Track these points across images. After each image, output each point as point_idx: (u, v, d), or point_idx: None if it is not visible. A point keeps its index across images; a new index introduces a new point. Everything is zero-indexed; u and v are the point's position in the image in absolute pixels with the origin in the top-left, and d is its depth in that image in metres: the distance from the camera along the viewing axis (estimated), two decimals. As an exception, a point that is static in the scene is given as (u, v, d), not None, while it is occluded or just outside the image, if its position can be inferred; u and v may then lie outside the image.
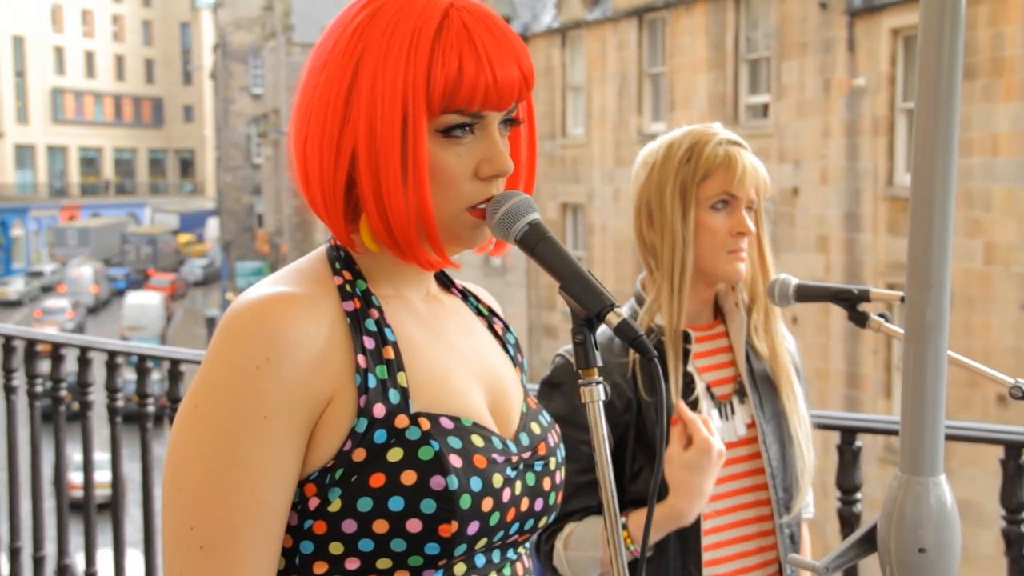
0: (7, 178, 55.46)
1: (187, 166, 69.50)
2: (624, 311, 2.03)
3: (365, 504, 1.13)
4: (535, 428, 1.31)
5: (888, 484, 1.31)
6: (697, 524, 1.98)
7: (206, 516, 1.10)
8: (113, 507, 3.74)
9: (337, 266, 1.24)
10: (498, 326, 1.42)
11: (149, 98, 67.28)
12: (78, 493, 3.86)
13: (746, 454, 2.02)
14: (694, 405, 1.98)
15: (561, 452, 1.33)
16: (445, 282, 1.40)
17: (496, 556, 1.23)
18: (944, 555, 1.28)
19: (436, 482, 1.13)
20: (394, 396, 1.17)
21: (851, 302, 1.87)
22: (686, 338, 2.00)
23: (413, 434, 1.15)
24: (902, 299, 1.73)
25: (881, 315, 1.81)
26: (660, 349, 2.00)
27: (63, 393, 3.76)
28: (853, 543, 1.35)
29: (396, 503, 1.13)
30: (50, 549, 3.98)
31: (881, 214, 13.42)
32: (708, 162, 1.99)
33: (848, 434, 2.53)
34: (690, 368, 2.01)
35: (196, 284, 51.04)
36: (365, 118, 1.17)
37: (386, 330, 1.21)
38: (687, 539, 1.98)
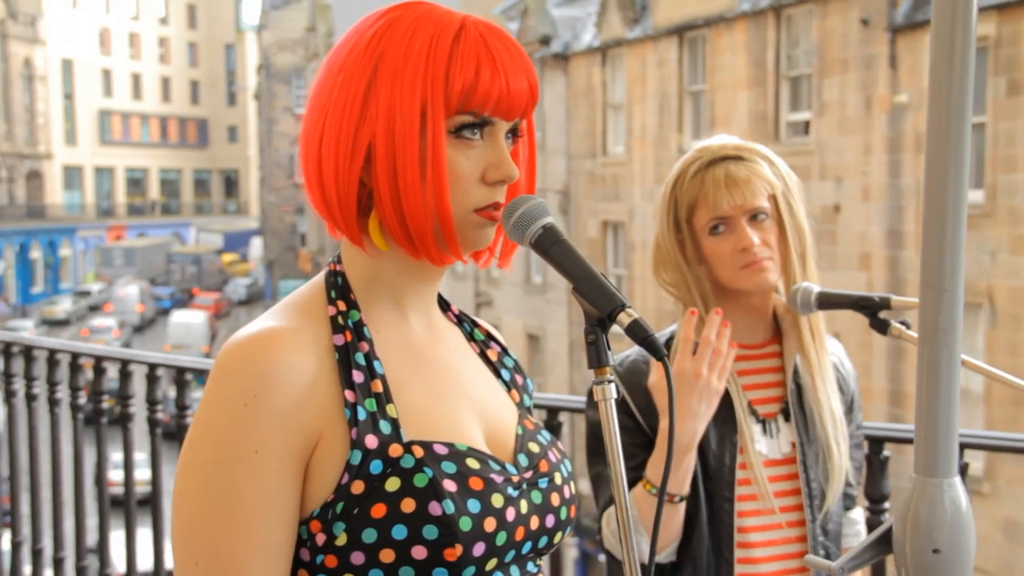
0: (56, 199, 56.24)
1: (231, 186, 70.15)
2: (673, 329, 2.08)
3: (370, 535, 1.15)
4: (533, 447, 1.33)
5: (903, 486, 1.32)
6: (730, 533, 1.99)
7: (209, 549, 1.14)
8: (155, 526, 3.79)
9: (333, 295, 1.27)
10: (493, 351, 1.44)
11: (194, 119, 68.04)
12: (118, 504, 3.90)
13: (787, 473, 2.03)
14: (729, 420, 2.00)
15: (567, 467, 1.35)
16: (441, 305, 1.41)
17: (515, 572, 1.25)
18: (958, 556, 1.29)
19: (433, 508, 1.16)
20: (385, 427, 1.20)
21: (872, 309, 1.88)
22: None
23: (407, 462, 1.18)
24: (923, 306, 1.75)
25: (902, 322, 1.82)
26: None
27: (104, 405, 3.82)
28: (869, 544, 1.36)
29: (399, 531, 1.15)
30: (92, 562, 4.04)
31: (924, 231, 13.28)
32: (689, 194, 2.02)
33: (875, 444, 2.52)
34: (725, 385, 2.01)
35: (240, 303, 51.42)
36: (384, 114, 1.20)
37: (375, 363, 1.23)
38: (720, 551, 2.00)
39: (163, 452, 3.76)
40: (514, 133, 1.28)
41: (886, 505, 2.53)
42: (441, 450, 1.20)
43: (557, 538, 1.31)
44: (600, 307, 1.17)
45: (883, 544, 1.35)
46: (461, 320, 1.44)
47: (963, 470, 2.50)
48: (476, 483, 1.20)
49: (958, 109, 1.25)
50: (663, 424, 1.97)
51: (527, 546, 1.25)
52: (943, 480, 1.29)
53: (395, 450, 1.18)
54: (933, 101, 1.26)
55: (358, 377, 1.21)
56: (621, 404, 2.06)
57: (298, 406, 1.16)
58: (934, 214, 1.27)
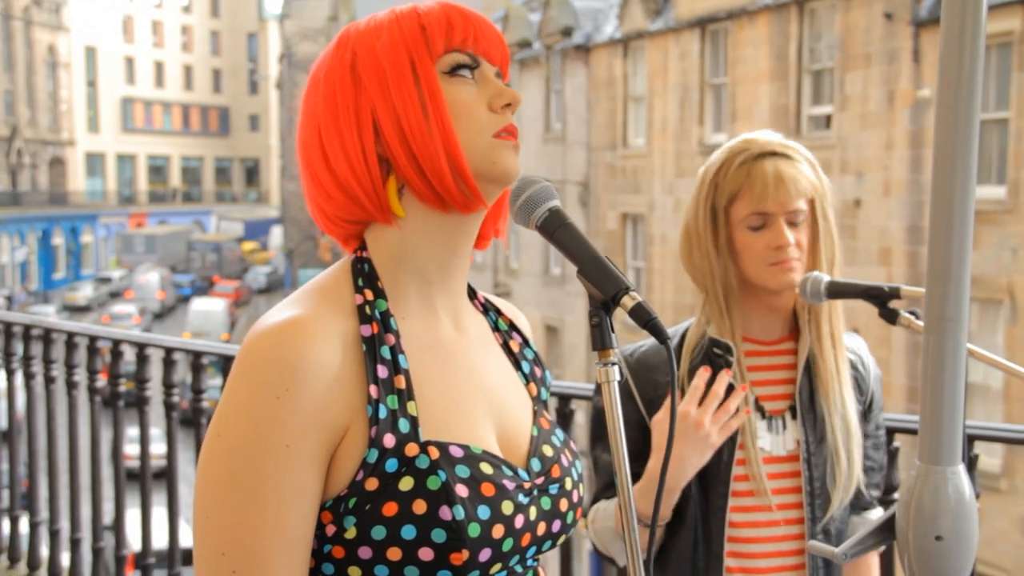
0: (78, 186, 56.58)
1: (252, 175, 70.40)
2: (688, 324, 2.08)
3: (379, 532, 1.15)
4: (547, 451, 1.32)
5: (907, 475, 1.33)
6: (721, 528, 1.99)
7: (235, 541, 1.13)
8: (170, 506, 3.82)
9: (360, 282, 1.26)
10: (515, 342, 1.43)
11: (216, 107, 68.29)
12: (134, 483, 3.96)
13: (789, 471, 2.02)
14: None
15: (577, 470, 1.35)
16: (468, 293, 1.40)
17: (519, 568, 1.26)
18: (961, 543, 1.29)
19: (444, 512, 1.15)
20: (404, 425, 1.19)
21: (881, 299, 1.88)
22: (726, 349, 2.02)
23: (422, 463, 1.17)
24: (932, 296, 1.75)
25: (912, 312, 1.82)
26: (710, 359, 2.02)
27: (121, 388, 3.86)
28: (872, 531, 1.37)
29: (408, 531, 1.15)
30: (108, 543, 4.08)
31: (944, 227, 13.21)
32: (732, 184, 1.99)
33: (885, 435, 2.51)
34: (731, 380, 2.00)
35: (260, 291, 51.59)
36: (375, 78, 1.23)
37: (400, 357, 1.23)
38: (710, 545, 2.00)
39: (179, 436, 3.79)
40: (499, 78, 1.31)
41: (895, 496, 2.52)
42: (456, 452, 1.20)
43: (560, 540, 1.31)
44: (604, 290, 1.18)
45: (886, 531, 1.36)
46: (486, 309, 1.43)
47: (972, 462, 2.50)
48: (488, 489, 1.20)
49: (967, 100, 1.25)
50: (652, 462, 1.95)
51: (531, 550, 1.26)
52: (947, 468, 1.29)
53: (411, 449, 1.18)
54: (942, 92, 1.26)
55: (382, 372, 1.20)
56: (626, 396, 2.06)
57: (327, 401, 1.16)
58: (941, 205, 1.27)
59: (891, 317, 1.84)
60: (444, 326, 1.31)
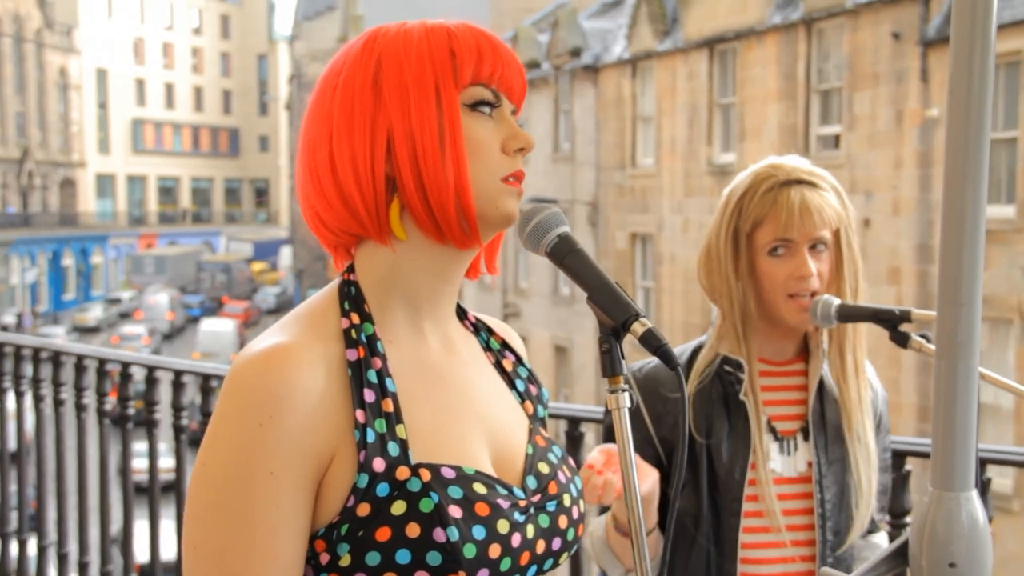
0: (89, 207, 56.80)
1: (262, 195, 70.58)
2: (701, 340, 2.07)
3: (373, 558, 1.14)
4: (543, 468, 1.31)
5: (919, 500, 1.32)
6: (734, 549, 1.99)
7: (223, 569, 1.13)
8: (179, 529, 3.81)
9: (346, 306, 1.25)
10: (508, 361, 1.42)
11: (226, 128, 68.59)
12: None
13: (801, 492, 2.01)
14: (744, 434, 2.00)
15: (576, 486, 1.34)
16: (458, 313, 1.39)
17: None
18: (975, 570, 1.28)
19: (438, 534, 1.14)
20: (393, 449, 1.18)
21: (892, 322, 1.87)
22: (737, 367, 2.02)
23: (414, 486, 1.16)
24: (943, 320, 1.74)
25: (923, 335, 1.81)
26: (721, 379, 2.02)
27: (131, 410, 3.87)
28: (884, 558, 1.35)
29: (403, 556, 1.14)
30: (117, 565, 4.07)
31: (954, 246, 13.20)
32: (757, 209, 1.99)
33: (897, 458, 2.50)
34: (742, 398, 2.01)
35: (269, 312, 51.67)
36: (397, 97, 1.21)
37: (387, 380, 1.21)
38: (722, 564, 1.99)
39: (188, 459, 3.79)
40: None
41: (907, 520, 2.51)
42: (448, 474, 1.19)
43: (563, 559, 1.30)
44: (614, 316, 1.18)
45: (899, 558, 1.35)
46: (478, 329, 1.42)
47: (985, 486, 2.48)
48: (482, 509, 1.19)
49: (977, 121, 1.24)
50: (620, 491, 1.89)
51: (532, 570, 1.24)
52: (960, 494, 1.28)
53: (402, 472, 1.17)
54: (952, 113, 1.25)
55: (369, 396, 1.19)
56: (634, 413, 2.05)
57: (312, 427, 1.15)
58: (952, 228, 1.26)
59: (902, 341, 1.83)
60: (432, 348, 1.30)
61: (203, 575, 1.14)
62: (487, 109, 1.24)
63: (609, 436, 2.10)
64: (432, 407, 1.25)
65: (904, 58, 14.07)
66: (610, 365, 1.17)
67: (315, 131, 1.26)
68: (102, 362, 4.01)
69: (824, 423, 2.02)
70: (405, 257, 1.26)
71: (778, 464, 2.01)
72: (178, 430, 3.68)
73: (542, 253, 1.24)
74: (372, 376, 1.21)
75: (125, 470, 3.87)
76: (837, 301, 1.94)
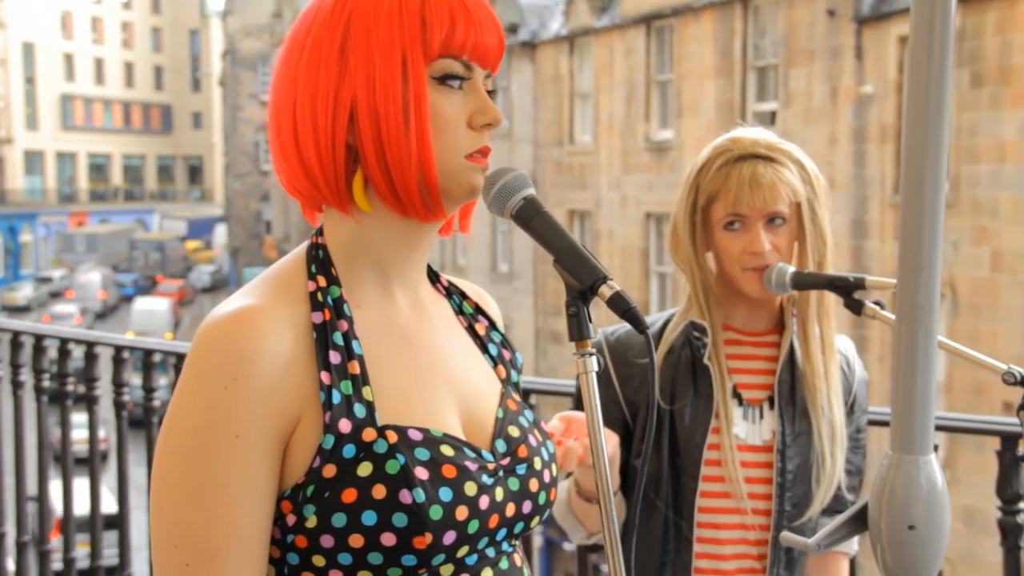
0: (17, 184, 55.64)
1: (195, 172, 69.66)
2: (672, 312, 2.08)
3: (339, 520, 1.14)
4: (513, 431, 1.31)
5: (879, 463, 1.33)
6: (691, 512, 2.00)
7: (188, 534, 1.12)
8: (120, 520, 3.76)
9: (313, 269, 1.24)
10: (481, 325, 1.41)
11: (158, 105, 67.47)
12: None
13: (764, 460, 2.02)
14: (708, 399, 2.01)
15: (547, 450, 1.34)
16: (430, 277, 1.39)
17: (491, 552, 1.24)
18: (934, 533, 1.30)
19: (404, 496, 1.14)
20: (360, 410, 1.18)
21: (847, 290, 1.89)
22: (704, 331, 2.03)
23: (380, 447, 1.16)
24: (897, 287, 1.76)
25: (876, 303, 1.83)
26: (690, 344, 2.04)
27: (69, 387, 3.81)
28: (844, 521, 1.36)
29: (369, 518, 1.14)
30: (56, 545, 4.00)
31: (888, 221, 13.43)
32: (711, 184, 2.00)
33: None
34: (706, 362, 2.03)
35: (204, 290, 51.07)
36: (363, 67, 1.19)
37: (353, 343, 1.21)
38: (680, 526, 2.01)
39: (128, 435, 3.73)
40: (489, 93, 1.28)
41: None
42: (415, 435, 1.19)
43: (534, 522, 1.30)
44: (582, 279, 1.17)
45: (859, 521, 1.36)
46: (450, 292, 1.41)
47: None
48: (449, 471, 1.19)
49: (936, 91, 1.25)
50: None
51: (502, 532, 1.24)
52: (919, 457, 1.30)
53: (369, 434, 1.17)
54: (912, 84, 1.26)
55: (335, 358, 1.19)
56: (603, 375, 2.06)
57: (277, 389, 1.14)
58: (913, 194, 1.27)
59: (856, 308, 1.84)
60: (402, 311, 1.29)
61: (169, 540, 1.13)
62: (456, 82, 1.22)
63: (579, 402, 2.10)
64: (400, 370, 1.24)
65: (839, 35, 14.21)
66: (577, 329, 1.17)
67: (281, 94, 1.24)
68: (39, 338, 3.94)
69: (794, 395, 2.04)
70: (370, 226, 1.25)
71: (742, 430, 2.03)
72: (119, 406, 3.63)
73: (507, 216, 1.23)
74: (338, 338, 1.20)
75: (64, 446, 3.82)
76: (791, 269, 1.96)
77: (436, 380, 1.28)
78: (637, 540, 2.06)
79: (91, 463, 3.76)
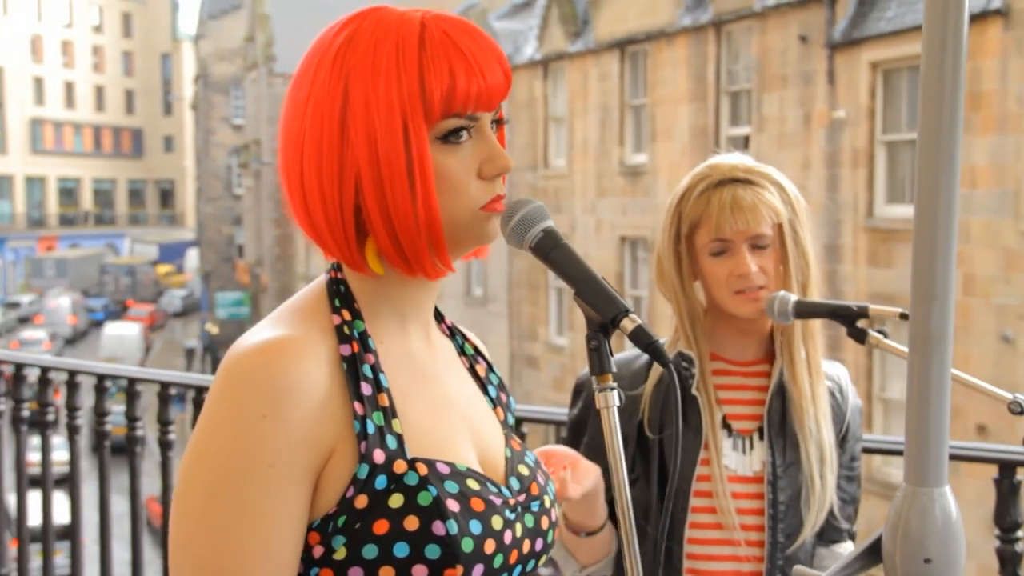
0: (-15, 208, 55.26)
1: (167, 197, 69.36)
2: (663, 339, 2.07)
3: (371, 551, 1.13)
4: (523, 470, 1.31)
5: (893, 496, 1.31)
6: (681, 544, 1.99)
7: (217, 566, 1.09)
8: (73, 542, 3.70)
9: (336, 303, 1.23)
10: (480, 367, 1.41)
11: (129, 129, 67.20)
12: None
13: (755, 492, 2.01)
14: (697, 430, 1.99)
15: (552, 489, 1.34)
16: (436, 317, 1.38)
17: None
18: (949, 566, 1.28)
19: (437, 527, 1.13)
20: (391, 442, 1.17)
21: (850, 318, 1.88)
22: (691, 362, 2.02)
23: (411, 479, 1.15)
24: (901, 315, 1.75)
25: (880, 331, 1.82)
26: (678, 371, 2.02)
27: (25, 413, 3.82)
28: (858, 555, 1.34)
29: (401, 549, 1.13)
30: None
31: (861, 245, 13.50)
32: (693, 212, 2.00)
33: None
34: (694, 392, 2.01)
35: (175, 315, 50.84)
36: (364, 138, 1.16)
37: (380, 376, 1.20)
38: (671, 557, 1.99)
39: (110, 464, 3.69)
40: (496, 121, 1.25)
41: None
42: (444, 469, 1.18)
43: (542, 561, 1.30)
44: (603, 312, 1.16)
45: (872, 554, 1.34)
46: (453, 333, 1.41)
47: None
48: (477, 504, 1.19)
49: (950, 115, 1.24)
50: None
51: (517, 569, 1.23)
52: (933, 489, 1.28)
53: (399, 466, 1.16)
54: (924, 107, 1.25)
55: (366, 389, 1.17)
56: (591, 406, 2.06)
57: (314, 420, 1.13)
58: (925, 222, 1.26)
59: (859, 336, 1.84)
60: (419, 349, 1.28)
61: (193, 570, 1.09)
62: (462, 135, 1.20)
63: (575, 430, 2.10)
64: (423, 405, 1.23)
65: (811, 60, 14.32)
66: (598, 363, 1.15)
67: (288, 162, 1.22)
68: (19, 367, 3.90)
69: (784, 425, 2.02)
70: (385, 279, 1.25)
71: (732, 461, 2.01)
72: (101, 436, 3.60)
73: (526, 248, 1.21)
74: (367, 370, 1.19)
75: (19, 472, 3.79)
76: (794, 297, 1.95)
77: (453, 416, 1.27)
78: (626, 569, 2.05)
79: (72, 490, 3.72)
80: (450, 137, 1.19)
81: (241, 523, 1.09)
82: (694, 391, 2.02)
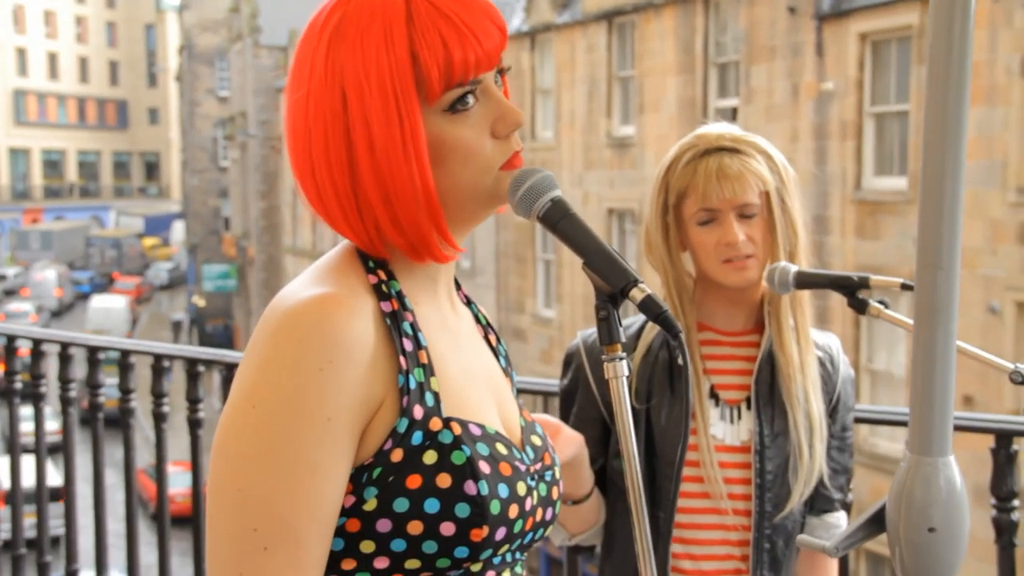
0: (-31, 180, 54.92)
1: (152, 169, 69.05)
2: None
3: (401, 505, 1.13)
4: (536, 440, 1.32)
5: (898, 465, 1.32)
6: (670, 515, 1.99)
7: (271, 517, 1.09)
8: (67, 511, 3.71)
9: (371, 264, 1.23)
10: (492, 337, 1.42)
11: (113, 100, 66.78)
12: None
13: (742, 461, 2.01)
14: (683, 401, 2.00)
15: (559, 462, 1.35)
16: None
17: (508, 556, 1.24)
18: (953, 535, 1.29)
19: (468, 487, 1.15)
20: (429, 399, 1.18)
21: (851, 289, 1.88)
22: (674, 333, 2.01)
23: (446, 438, 1.16)
24: (902, 286, 1.75)
25: (880, 302, 1.82)
26: (668, 347, 2.04)
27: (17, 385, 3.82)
28: (862, 524, 1.36)
29: (432, 505, 1.14)
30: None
31: (849, 217, 13.53)
32: (680, 181, 2.00)
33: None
34: (681, 362, 2.01)
35: (162, 288, 50.70)
36: (363, 127, 1.16)
37: (419, 334, 1.21)
38: (657, 526, 1.99)
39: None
40: (499, 72, 1.26)
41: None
42: (475, 431, 1.19)
43: (548, 531, 1.31)
44: (612, 282, 1.15)
45: (876, 523, 1.35)
46: (469, 301, 1.42)
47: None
48: (506, 468, 1.20)
49: (956, 88, 1.24)
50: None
51: (528, 536, 1.25)
52: (938, 459, 1.29)
53: (435, 424, 1.17)
54: (932, 80, 1.25)
55: (407, 345, 1.19)
56: (582, 378, 2.08)
57: (368, 374, 1.14)
58: (931, 194, 1.26)
59: (860, 307, 1.84)
60: (448, 312, 1.30)
61: (245, 521, 1.10)
62: (468, 100, 1.20)
63: (566, 397, 2.12)
64: (456, 366, 1.25)
65: (800, 32, 14.29)
66: (607, 333, 1.16)
67: (299, 160, 1.23)
68: (10, 339, 3.89)
69: (772, 394, 2.02)
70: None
71: (720, 431, 2.02)
72: (95, 408, 3.60)
73: (533, 219, 1.21)
74: (407, 328, 1.20)
75: (12, 444, 3.79)
76: (795, 268, 1.95)
77: (480, 380, 1.29)
78: (616, 538, 2.06)
79: (67, 461, 3.73)
80: (456, 106, 1.18)
81: (298, 473, 1.09)
82: (680, 361, 2.02)
